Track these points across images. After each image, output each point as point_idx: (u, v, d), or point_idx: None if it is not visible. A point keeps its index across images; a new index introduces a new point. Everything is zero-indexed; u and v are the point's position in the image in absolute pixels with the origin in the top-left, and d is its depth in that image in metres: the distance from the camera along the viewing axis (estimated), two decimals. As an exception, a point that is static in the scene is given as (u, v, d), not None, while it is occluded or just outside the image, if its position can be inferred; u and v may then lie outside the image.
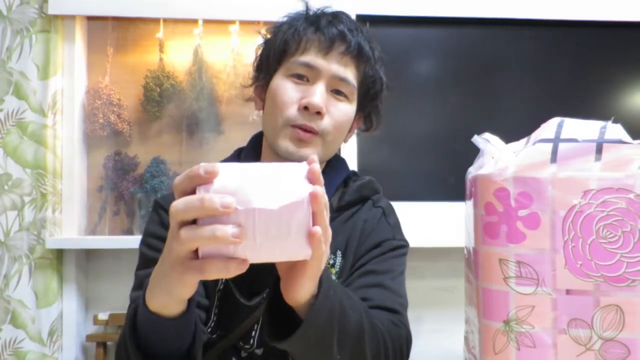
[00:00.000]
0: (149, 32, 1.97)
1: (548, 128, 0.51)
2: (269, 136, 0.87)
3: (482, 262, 0.51)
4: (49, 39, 1.85)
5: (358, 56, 0.85)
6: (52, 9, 1.83)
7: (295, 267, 0.55)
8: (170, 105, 1.95)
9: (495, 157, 0.53)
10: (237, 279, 0.80)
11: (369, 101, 0.91)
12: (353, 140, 1.96)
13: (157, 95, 1.93)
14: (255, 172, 0.48)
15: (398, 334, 0.76)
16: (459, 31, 2.07)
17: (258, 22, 1.94)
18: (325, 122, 0.82)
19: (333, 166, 0.94)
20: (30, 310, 1.82)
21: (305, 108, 0.81)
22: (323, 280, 0.58)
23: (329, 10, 0.89)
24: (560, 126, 0.50)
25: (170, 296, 0.56)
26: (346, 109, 0.85)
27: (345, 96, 0.85)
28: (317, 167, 0.49)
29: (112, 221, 1.95)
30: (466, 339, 0.64)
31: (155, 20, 1.95)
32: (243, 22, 1.96)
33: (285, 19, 0.90)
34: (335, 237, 0.57)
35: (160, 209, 0.90)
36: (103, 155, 1.96)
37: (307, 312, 0.58)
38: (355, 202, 0.92)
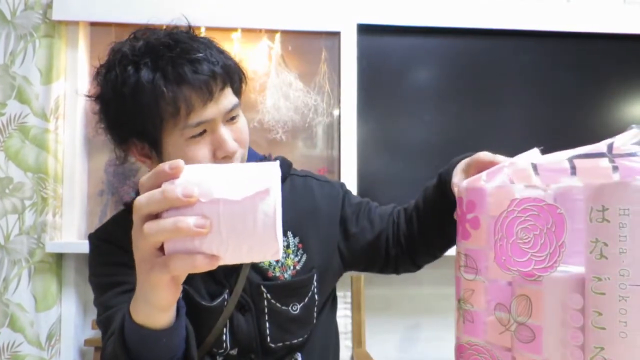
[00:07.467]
0: (151, 38, 2.09)
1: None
2: None
3: (455, 255, 0.68)
4: (52, 44, 1.94)
5: (228, 76, 0.85)
6: (56, 14, 1.93)
7: None
8: (170, 111, 2.06)
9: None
10: (193, 283, 0.87)
11: (240, 86, 0.92)
12: (353, 148, 2.03)
13: (158, 101, 2.04)
14: (219, 169, 0.49)
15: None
16: (458, 41, 2.13)
17: (260, 30, 2.05)
18: (240, 151, 0.85)
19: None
20: (28, 313, 1.89)
21: (224, 157, 0.83)
22: None
23: (171, 37, 0.89)
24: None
25: (149, 304, 0.57)
26: (243, 121, 0.88)
27: (238, 114, 0.87)
28: None
29: (112, 226, 2.06)
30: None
31: (158, 27, 2.07)
32: (245, 30, 2.06)
33: (119, 66, 0.84)
34: None
35: (97, 240, 0.93)
36: (104, 160, 2.04)
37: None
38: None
